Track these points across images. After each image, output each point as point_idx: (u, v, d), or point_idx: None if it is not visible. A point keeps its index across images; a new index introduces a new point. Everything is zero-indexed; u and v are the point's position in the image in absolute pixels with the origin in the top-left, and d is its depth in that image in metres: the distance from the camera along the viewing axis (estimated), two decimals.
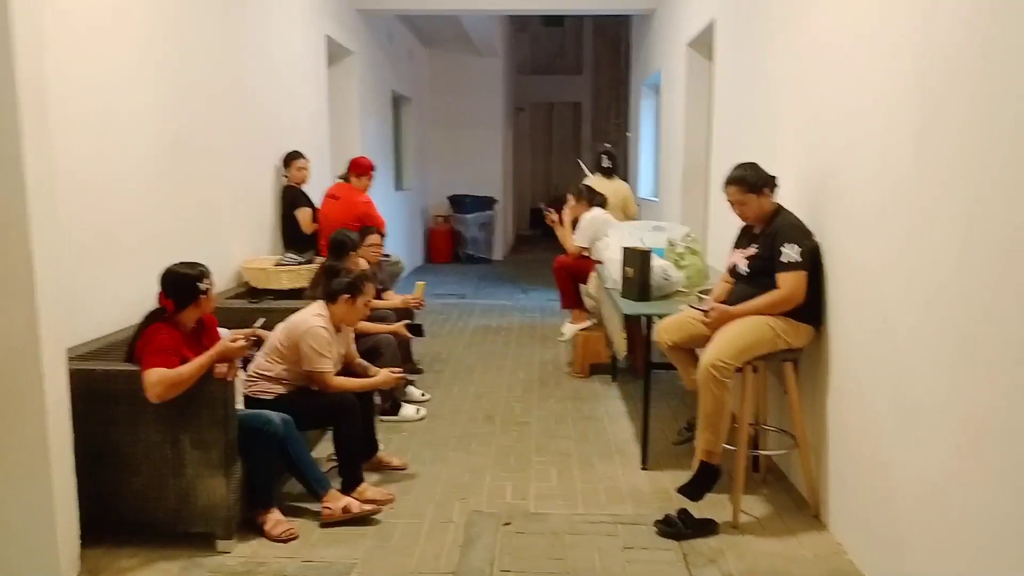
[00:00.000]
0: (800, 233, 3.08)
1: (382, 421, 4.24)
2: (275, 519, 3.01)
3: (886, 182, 2.61)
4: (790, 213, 3.18)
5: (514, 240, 13.92)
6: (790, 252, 3.02)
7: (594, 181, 6.21)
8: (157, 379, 2.73)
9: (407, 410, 4.41)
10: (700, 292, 3.79)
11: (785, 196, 3.28)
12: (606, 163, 6.43)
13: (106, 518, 2.85)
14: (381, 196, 7.84)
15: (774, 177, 3.19)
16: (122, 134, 3.45)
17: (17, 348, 1.59)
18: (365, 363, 3.68)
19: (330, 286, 3.47)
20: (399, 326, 4.41)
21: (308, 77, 6.19)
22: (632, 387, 4.95)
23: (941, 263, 2.25)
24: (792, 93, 3.60)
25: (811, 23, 3.34)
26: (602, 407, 4.67)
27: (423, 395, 4.72)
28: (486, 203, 11.50)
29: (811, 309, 3.10)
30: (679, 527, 3.03)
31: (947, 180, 2.22)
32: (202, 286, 2.91)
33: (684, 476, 3.24)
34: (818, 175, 3.24)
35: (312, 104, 6.30)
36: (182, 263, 2.95)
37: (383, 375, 3.54)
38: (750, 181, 3.15)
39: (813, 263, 3.08)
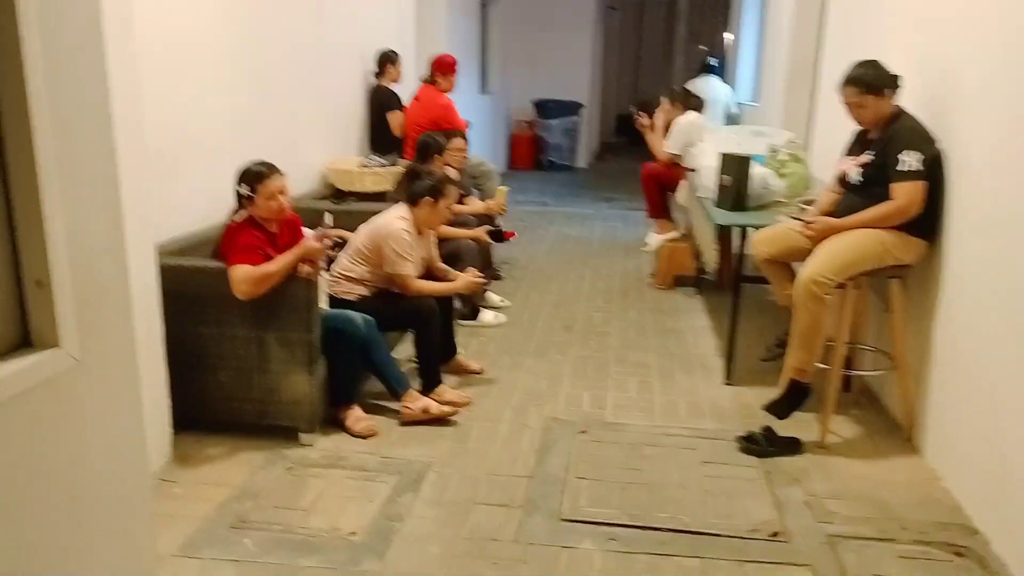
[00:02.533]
0: (921, 139, 2.79)
1: (461, 325, 4.23)
2: (356, 415, 3.07)
3: (1019, 83, 2.29)
4: (911, 117, 2.88)
5: (599, 148, 13.50)
6: (909, 159, 2.74)
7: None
8: (243, 276, 2.75)
9: (486, 315, 4.40)
10: (802, 202, 3.54)
11: (906, 98, 2.96)
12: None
13: (196, 410, 2.96)
14: (466, 99, 7.67)
15: (897, 76, 2.88)
16: (202, 38, 3.38)
17: (104, 240, 1.58)
18: (446, 267, 3.64)
19: (412, 189, 3.41)
20: (480, 231, 4.35)
21: None
22: (717, 301, 4.78)
23: None
24: None
25: None
26: (685, 320, 4.54)
27: (502, 301, 4.68)
28: (571, 108, 11.11)
29: (927, 222, 2.84)
30: (762, 444, 2.93)
31: None
32: (243, 191, 2.85)
33: (769, 393, 3.11)
34: (941, 75, 2.91)
35: (398, 4, 6.10)
36: (252, 162, 2.92)
37: (463, 280, 3.50)
38: (869, 80, 2.85)
39: (934, 173, 2.80)
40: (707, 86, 7.37)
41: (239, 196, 2.88)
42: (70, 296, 1.47)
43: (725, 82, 8.22)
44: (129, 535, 1.71)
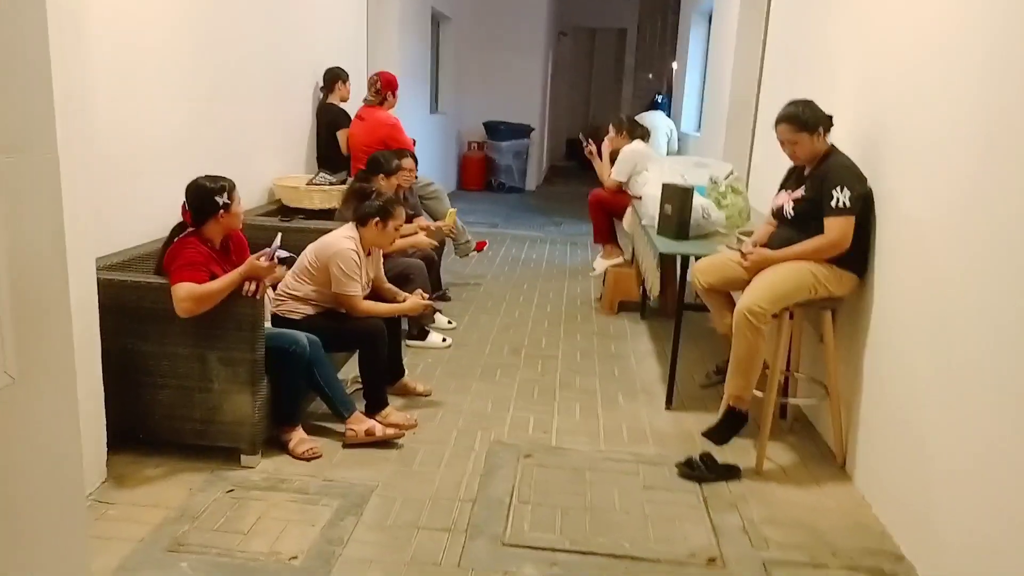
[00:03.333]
0: (853, 177, 2.93)
1: (408, 346, 4.23)
2: (299, 437, 3.04)
3: (948, 129, 2.44)
4: (843, 155, 3.02)
5: (548, 171, 13.69)
6: (840, 196, 2.87)
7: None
8: (186, 294, 2.71)
9: (433, 337, 4.40)
10: (741, 233, 3.66)
11: (839, 137, 3.11)
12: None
13: (133, 429, 2.89)
14: (415, 118, 7.70)
15: (830, 116, 3.02)
16: (153, 50, 3.35)
17: (45, 255, 1.55)
18: (394, 288, 3.64)
19: (361, 209, 3.41)
20: (424, 239, 4.44)
21: None
22: (661, 327, 4.88)
23: (1001, 219, 2.11)
24: (852, 28, 3.38)
25: None
26: (629, 345, 4.62)
27: (450, 323, 4.70)
28: (522, 131, 11.25)
29: (857, 257, 2.97)
30: (701, 470, 3.00)
31: (1015, 128, 2.06)
32: (220, 200, 2.85)
33: (709, 419, 3.20)
34: (875, 117, 3.06)
35: (350, 22, 6.11)
36: (207, 176, 2.89)
37: (412, 301, 3.51)
38: (804, 119, 2.98)
39: (863, 209, 2.94)
40: (654, 120, 7.62)
41: (208, 207, 2.84)
42: (8, 311, 1.44)
43: (669, 117, 8.52)
44: (62, 557, 1.67)
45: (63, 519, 1.67)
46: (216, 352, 2.84)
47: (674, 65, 10.45)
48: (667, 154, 7.47)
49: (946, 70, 2.50)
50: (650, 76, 14.62)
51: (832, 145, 3.06)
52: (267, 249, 2.87)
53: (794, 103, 3.06)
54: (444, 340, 4.42)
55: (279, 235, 2.97)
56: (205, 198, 2.84)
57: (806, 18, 4.19)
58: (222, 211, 2.86)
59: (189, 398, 2.88)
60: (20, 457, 1.52)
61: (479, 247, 5.84)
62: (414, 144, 5.38)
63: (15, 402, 1.50)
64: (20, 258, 1.47)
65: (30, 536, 1.56)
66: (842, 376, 3.14)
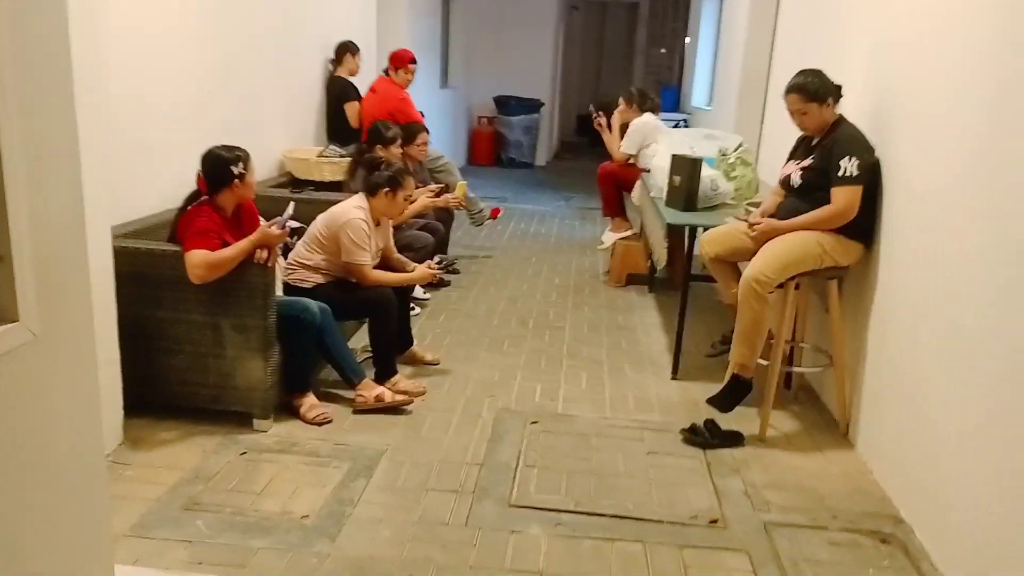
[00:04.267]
0: (860, 146, 2.93)
1: None
2: (310, 403, 3.10)
3: (958, 98, 2.44)
4: (851, 125, 3.02)
5: (559, 146, 13.63)
6: (848, 165, 2.88)
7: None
8: (199, 260, 2.76)
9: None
10: (748, 204, 3.68)
11: (848, 107, 3.11)
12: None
13: (149, 394, 2.96)
14: (425, 93, 7.68)
15: (839, 87, 3.02)
16: (165, 23, 3.37)
17: (64, 216, 1.60)
18: (403, 258, 3.69)
19: (371, 179, 3.45)
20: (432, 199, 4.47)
21: None
22: (668, 299, 4.91)
23: (1008, 187, 2.12)
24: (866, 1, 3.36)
25: None
26: (637, 317, 4.65)
27: (424, 294, 4.68)
28: (532, 106, 11.20)
29: (863, 227, 2.98)
30: (705, 436, 3.04)
31: (1022, 98, 2.07)
32: (236, 170, 2.89)
33: (714, 388, 3.24)
34: (885, 87, 3.05)
35: None
36: (222, 146, 2.94)
37: (420, 270, 3.55)
38: (812, 89, 2.98)
39: (871, 179, 2.94)
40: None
41: (223, 176, 2.89)
42: (30, 271, 1.49)
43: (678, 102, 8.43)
44: (84, 513, 1.73)
45: (84, 475, 1.73)
46: (229, 319, 2.89)
47: (687, 40, 10.37)
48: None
49: (955, 39, 2.49)
50: (662, 51, 14.49)
51: (841, 115, 3.06)
52: (279, 218, 2.91)
53: (803, 73, 3.06)
54: (424, 293, 4.56)
55: (292, 204, 3.01)
56: (221, 167, 2.88)
57: None
58: (237, 181, 2.91)
59: (203, 364, 2.94)
60: (43, 412, 1.58)
61: (494, 214, 5.89)
62: (422, 118, 5.40)
63: (37, 358, 1.55)
64: (41, 218, 1.52)
65: (53, 491, 1.62)
66: (847, 345, 3.17)
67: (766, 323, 3.05)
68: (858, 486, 2.81)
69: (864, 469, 2.93)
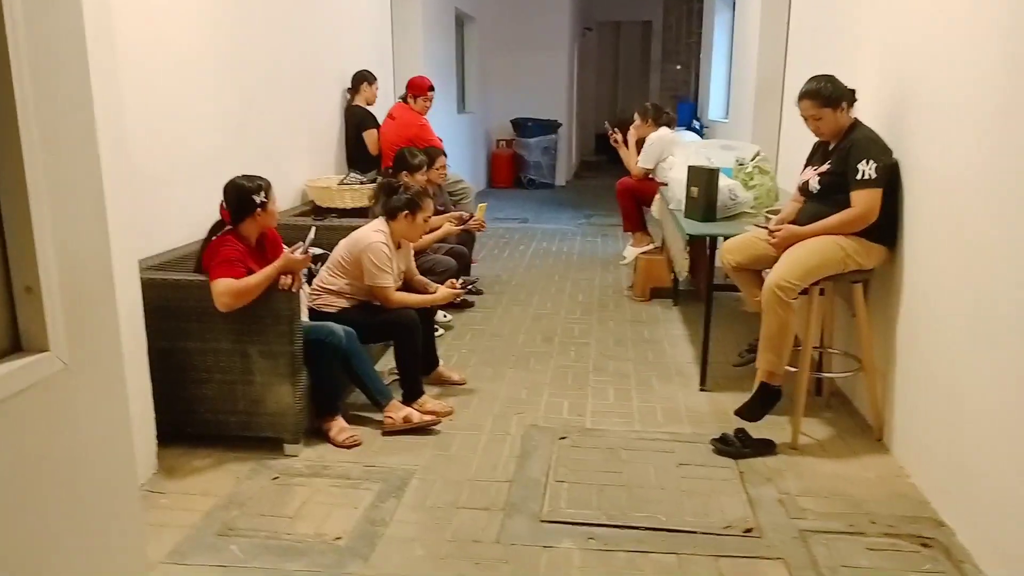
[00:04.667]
0: (878, 148, 2.92)
1: None
2: (339, 426, 3.12)
3: (973, 94, 2.43)
4: (867, 128, 3.01)
5: (578, 165, 13.68)
6: (866, 168, 2.86)
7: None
8: (224, 289, 2.81)
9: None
10: (768, 212, 3.66)
11: (864, 110, 3.09)
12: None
13: (181, 424, 3.01)
14: (443, 119, 7.78)
15: (853, 91, 3.01)
16: (185, 58, 3.45)
17: (90, 247, 1.64)
18: (425, 280, 3.72)
19: (389, 203, 3.49)
20: (452, 224, 4.48)
21: None
22: (693, 311, 4.88)
23: None
24: (875, 1, 3.36)
25: None
26: (662, 330, 4.63)
27: (444, 316, 4.70)
28: (549, 127, 11.28)
29: (885, 228, 2.95)
30: (736, 446, 3.01)
31: None
32: (258, 199, 2.95)
33: (744, 398, 3.20)
34: (900, 88, 3.04)
35: (375, 23, 6.22)
36: (244, 176, 3.00)
37: (443, 291, 3.58)
38: (826, 94, 2.97)
39: (890, 181, 2.92)
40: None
41: (246, 205, 2.95)
42: (59, 302, 1.53)
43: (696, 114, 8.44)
44: (119, 537, 1.75)
45: (119, 499, 1.76)
46: (256, 346, 2.93)
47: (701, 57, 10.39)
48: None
49: (964, 38, 2.48)
50: (678, 67, 14.54)
51: (856, 119, 3.05)
52: (300, 243, 2.96)
53: (816, 78, 3.05)
54: (444, 316, 4.58)
55: (312, 228, 3.06)
56: (243, 197, 2.94)
57: None
58: (259, 209, 2.96)
59: (232, 391, 2.98)
60: (77, 440, 1.61)
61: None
62: (441, 143, 5.47)
63: (69, 387, 1.59)
64: (67, 250, 1.56)
65: (89, 516, 1.65)
66: (876, 348, 3.13)
67: (792, 329, 3.03)
68: (896, 490, 2.76)
69: (901, 473, 2.87)
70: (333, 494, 2.73)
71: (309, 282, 3.45)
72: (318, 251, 3.54)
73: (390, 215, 3.47)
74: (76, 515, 1.61)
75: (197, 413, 3.01)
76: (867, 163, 2.87)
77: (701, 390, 3.67)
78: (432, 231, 4.35)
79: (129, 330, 2.64)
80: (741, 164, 4.17)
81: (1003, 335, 2.24)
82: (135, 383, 2.71)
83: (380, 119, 5.56)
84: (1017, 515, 2.14)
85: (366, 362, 3.26)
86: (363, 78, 5.46)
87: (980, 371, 2.38)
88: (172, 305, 2.92)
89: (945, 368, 2.61)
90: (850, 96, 3.01)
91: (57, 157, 1.54)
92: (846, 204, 2.94)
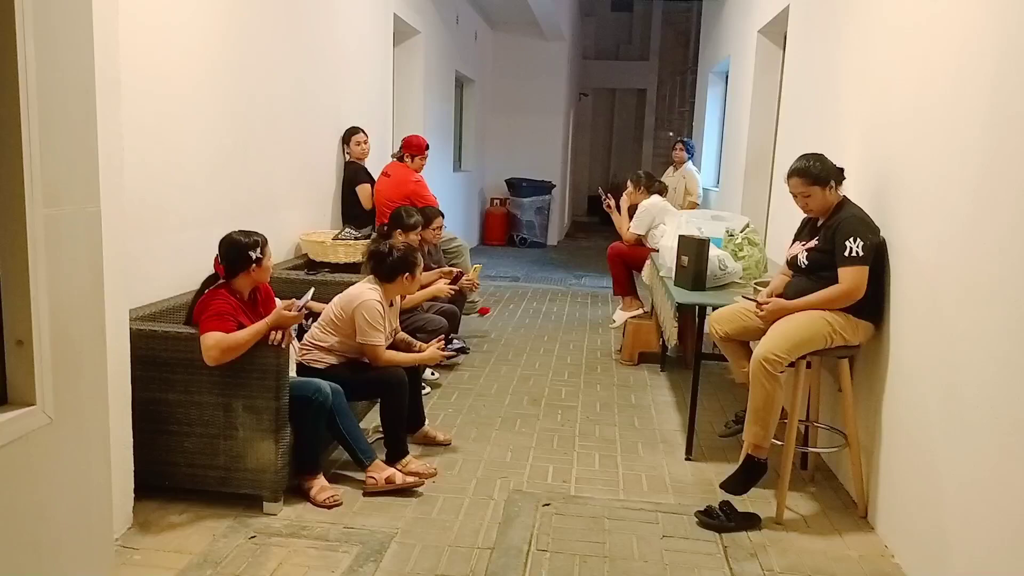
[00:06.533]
0: (865, 227, 2.98)
1: None
2: (320, 485, 3.08)
3: (951, 177, 2.50)
4: (855, 206, 3.08)
5: (570, 226, 13.85)
6: (853, 246, 2.92)
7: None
8: (214, 343, 2.80)
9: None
10: (756, 283, 3.71)
11: (850, 188, 3.17)
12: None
13: (159, 476, 2.96)
14: (439, 176, 7.90)
15: (841, 169, 3.09)
16: (182, 109, 3.48)
17: (84, 303, 1.65)
18: (409, 337, 3.72)
19: (384, 268, 3.47)
20: (442, 287, 4.49)
21: (374, 55, 6.24)
22: (681, 377, 4.89)
23: (1000, 261, 2.16)
24: (860, 83, 3.48)
25: (883, 11, 3.22)
26: (649, 396, 4.63)
27: (433, 374, 4.70)
28: (543, 188, 11.46)
29: (871, 305, 3.00)
30: (721, 519, 2.99)
31: (1013, 177, 2.11)
32: (254, 255, 2.97)
33: (729, 469, 3.19)
34: (882, 167, 3.13)
35: (377, 83, 6.35)
36: (240, 231, 3.02)
37: (430, 351, 3.57)
38: (815, 173, 3.05)
39: (876, 259, 2.98)
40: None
41: (241, 261, 2.96)
42: (48, 355, 1.53)
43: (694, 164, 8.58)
44: None
45: (92, 557, 1.73)
46: (241, 400, 2.91)
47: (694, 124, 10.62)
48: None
49: (946, 117, 2.57)
50: (670, 134, 14.87)
51: (844, 196, 3.12)
52: (297, 300, 2.97)
53: (805, 156, 3.13)
54: (433, 374, 4.63)
55: (311, 289, 3.07)
56: (239, 252, 2.96)
57: (815, 72, 4.31)
58: (254, 265, 2.98)
59: (214, 446, 2.94)
60: (55, 496, 1.59)
61: (482, 312, 6.09)
62: (437, 202, 5.53)
63: (51, 443, 1.58)
64: (61, 304, 1.57)
65: (61, 571, 1.62)
66: (861, 424, 3.14)
67: (779, 402, 3.04)
68: (879, 569, 2.73)
69: (885, 552, 2.85)
70: (310, 556, 2.68)
71: (300, 338, 3.45)
72: (319, 306, 3.55)
73: (388, 279, 3.46)
74: (48, 569, 1.58)
75: (176, 466, 2.97)
76: (854, 241, 2.93)
77: (687, 459, 3.66)
78: (424, 287, 4.37)
79: (115, 381, 2.62)
80: (731, 235, 4.23)
81: (974, 415, 2.27)
82: (116, 434, 2.68)
83: (374, 173, 5.63)
84: None
85: (351, 420, 3.23)
86: (351, 133, 5.55)
87: (954, 449, 2.40)
88: (159, 356, 2.90)
89: (925, 446, 2.62)
90: (838, 175, 3.09)
91: (56, 206, 1.55)
92: (833, 280, 2.99)
